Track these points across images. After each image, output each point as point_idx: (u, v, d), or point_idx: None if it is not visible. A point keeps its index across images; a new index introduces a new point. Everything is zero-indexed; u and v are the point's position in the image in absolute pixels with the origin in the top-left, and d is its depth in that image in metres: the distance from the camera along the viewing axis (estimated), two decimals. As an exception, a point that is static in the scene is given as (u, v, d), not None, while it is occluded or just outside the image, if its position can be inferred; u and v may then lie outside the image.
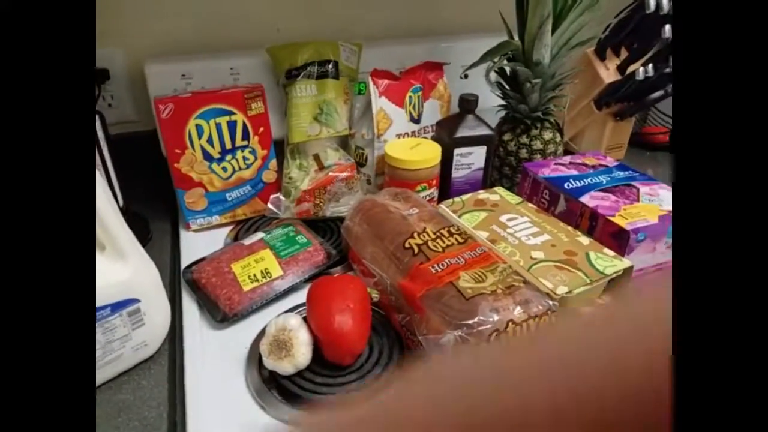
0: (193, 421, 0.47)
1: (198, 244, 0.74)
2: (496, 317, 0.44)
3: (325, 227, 0.74)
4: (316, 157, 0.75)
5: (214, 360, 0.54)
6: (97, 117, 0.63)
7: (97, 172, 0.44)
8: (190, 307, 0.62)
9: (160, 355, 0.55)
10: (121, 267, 0.49)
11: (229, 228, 0.78)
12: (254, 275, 0.62)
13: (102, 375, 0.50)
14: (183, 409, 0.49)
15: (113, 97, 0.83)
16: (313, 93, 0.75)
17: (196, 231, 0.77)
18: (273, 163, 0.77)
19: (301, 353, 0.48)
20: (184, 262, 0.69)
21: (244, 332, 0.57)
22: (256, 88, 0.73)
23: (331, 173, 0.73)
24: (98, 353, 0.49)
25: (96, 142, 0.64)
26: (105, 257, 0.49)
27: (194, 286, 0.63)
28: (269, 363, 0.49)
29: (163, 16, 0.80)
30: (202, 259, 0.68)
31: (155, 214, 0.79)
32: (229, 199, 0.77)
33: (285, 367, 0.48)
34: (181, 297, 0.63)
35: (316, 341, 0.49)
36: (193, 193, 0.75)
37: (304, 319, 0.51)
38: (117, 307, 0.48)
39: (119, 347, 0.50)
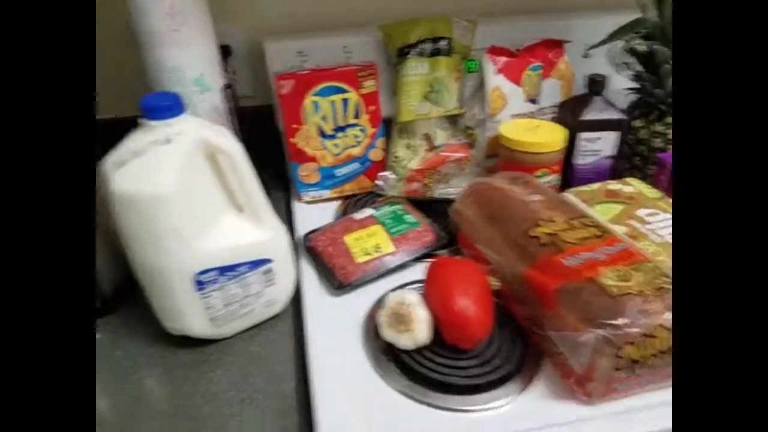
0: (318, 380, 0.50)
1: (309, 214, 0.78)
2: (645, 320, 0.42)
3: (431, 208, 0.74)
4: (427, 137, 0.76)
5: (333, 324, 0.57)
6: (228, 88, 0.68)
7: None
8: (308, 272, 0.66)
9: (285, 313, 0.60)
10: (259, 229, 0.53)
11: (338, 202, 0.81)
12: (366, 248, 0.65)
13: (237, 325, 0.56)
14: (306, 367, 0.53)
15: (234, 72, 0.88)
16: (424, 71, 0.75)
17: (307, 203, 0.81)
18: (381, 141, 0.79)
19: (420, 329, 0.50)
20: (300, 228, 0.74)
21: (358, 301, 0.60)
22: (369, 66, 0.74)
23: (442, 153, 0.73)
24: (235, 306, 0.54)
25: (231, 111, 0.68)
26: (244, 219, 0.53)
27: (312, 253, 0.67)
28: (388, 334, 0.51)
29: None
30: (316, 230, 0.71)
31: (268, 185, 0.84)
32: (338, 174, 0.80)
33: (404, 341, 0.50)
34: (299, 262, 0.68)
35: (435, 320, 0.51)
36: (307, 167, 0.78)
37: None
38: (254, 265, 0.53)
39: (253, 302, 0.55)
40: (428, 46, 0.75)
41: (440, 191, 0.74)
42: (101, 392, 0.51)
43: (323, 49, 0.80)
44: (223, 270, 0.51)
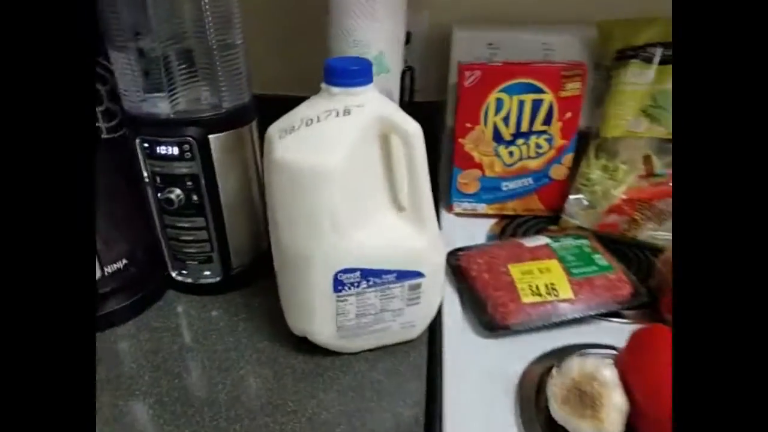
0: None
1: (456, 229, 0.67)
2: None
3: (629, 252, 0.58)
4: (647, 160, 0.60)
5: (479, 375, 0.45)
6: (408, 71, 0.59)
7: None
8: (451, 297, 0.54)
9: (420, 340, 0.49)
10: (418, 235, 0.43)
11: (493, 221, 0.69)
12: (536, 287, 0.51)
13: (364, 342, 0.46)
14: (438, 424, 0.41)
15: (406, 62, 0.80)
16: (647, 80, 0.60)
17: (457, 215, 0.70)
18: (568, 157, 0.65)
19: (612, 420, 0.35)
20: (446, 244, 0.62)
21: (515, 352, 0.47)
22: (577, 65, 0.61)
23: (662, 184, 0.57)
24: (368, 319, 0.44)
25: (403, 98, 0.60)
26: (403, 219, 0.43)
27: (460, 276, 0.56)
28: (561, 414, 0.37)
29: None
30: (468, 248, 0.59)
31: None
32: (504, 188, 0.68)
33: (585, 429, 0.36)
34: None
35: (632, 412, 0.36)
36: (468, 174, 0.67)
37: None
38: (402, 276, 0.43)
39: (389, 319, 0.45)
40: (658, 52, 0.59)
41: (649, 233, 0.58)
42: (197, 380, 0.44)
43: (518, 44, 0.69)
44: (367, 274, 0.41)
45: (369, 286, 0.42)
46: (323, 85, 0.41)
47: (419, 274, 0.43)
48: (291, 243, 0.41)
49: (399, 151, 0.41)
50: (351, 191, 0.39)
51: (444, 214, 0.70)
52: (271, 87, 0.69)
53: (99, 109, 0.50)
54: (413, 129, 0.40)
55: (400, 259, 0.42)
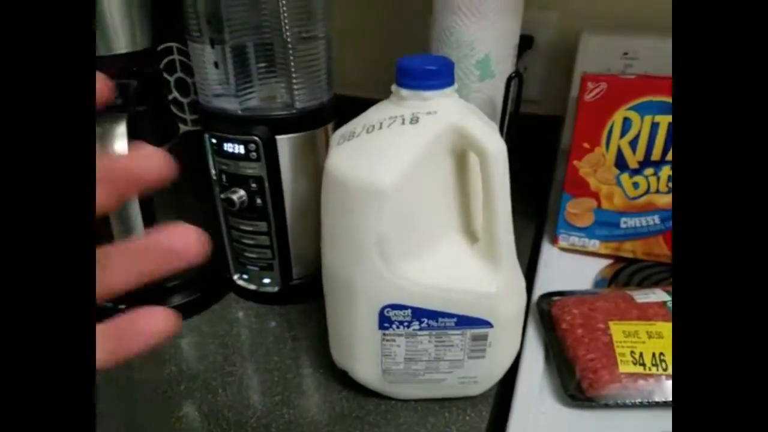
0: None
1: (559, 266, 0.57)
2: None
3: None
4: None
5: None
6: (516, 78, 0.51)
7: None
8: (536, 348, 0.45)
9: (483, 397, 0.41)
10: (490, 275, 0.35)
11: (606, 263, 0.58)
12: (640, 354, 0.41)
13: (413, 391, 0.40)
14: None
15: (526, 69, 0.71)
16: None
17: (562, 249, 0.60)
18: (710, 197, 0.52)
19: None
20: (540, 283, 0.53)
21: (602, 427, 0.38)
22: (736, 84, 0.48)
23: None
24: (420, 366, 0.38)
25: (508, 109, 0.52)
26: (474, 252, 0.36)
27: (549, 325, 0.47)
28: None
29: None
30: (564, 293, 0.50)
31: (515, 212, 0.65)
32: (624, 225, 0.57)
33: None
34: (524, 328, 0.48)
35: None
36: (581, 204, 0.57)
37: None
38: (465, 323, 0.36)
39: (445, 369, 0.38)
40: None
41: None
42: (231, 398, 0.41)
43: (662, 53, 0.57)
44: (420, 314, 0.35)
45: (422, 328, 0.36)
46: (393, 87, 0.35)
47: (486, 323, 0.36)
48: (334, 265, 0.36)
49: (476, 170, 0.34)
50: (409, 214, 0.33)
51: (546, 246, 0.61)
52: (361, 88, 0.65)
53: (185, 100, 0.49)
54: (494, 147, 0.32)
55: (463, 302, 0.35)
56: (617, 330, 0.43)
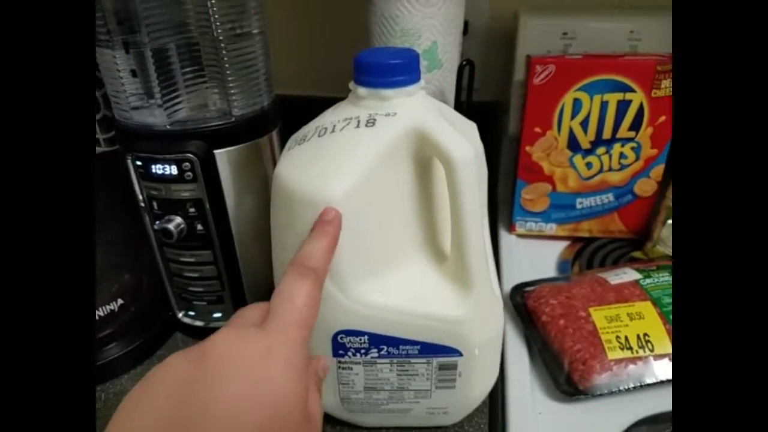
0: None
1: (519, 253, 0.56)
2: None
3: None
4: None
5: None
6: (467, 66, 0.49)
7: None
8: (518, 345, 0.43)
9: (479, 411, 0.38)
10: (459, 298, 0.31)
11: (564, 245, 0.58)
12: (626, 338, 0.40)
13: (377, 420, 0.37)
14: None
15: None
16: None
17: (520, 236, 0.59)
18: (658, 170, 0.53)
19: None
20: (505, 274, 0.52)
21: (597, 420, 0.37)
22: (677, 57, 0.48)
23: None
24: (382, 396, 0.34)
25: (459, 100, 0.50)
26: (441, 273, 0.32)
27: (527, 318, 0.45)
28: None
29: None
30: (538, 283, 0.48)
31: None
32: (579, 206, 0.56)
33: None
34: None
35: None
36: (536, 189, 0.56)
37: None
38: (430, 350, 0.32)
39: (411, 400, 0.35)
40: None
41: None
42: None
43: (599, 33, 0.57)
44: (380, 340, 0.31)
45: (381, 356, 0.32)
46: (351, 85, 0.30)
47: (454, 351, 0.32)
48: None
49: (443, 181, 0.30)
50: (364, 229, 0.29)
51: (504, 235, 0.60)
52: (301, 86, 0.60)
53: (97, 116, 0.42)
54: (460, 153, 0.28)
55: (427, 328, 0.31)
56: (599, 316, 0.42)
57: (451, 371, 0.33)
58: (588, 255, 0.56)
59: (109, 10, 0.32)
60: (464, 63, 0.48)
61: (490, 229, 0.61)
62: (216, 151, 0.36)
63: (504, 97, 0.66)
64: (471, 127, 0.35)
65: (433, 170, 0.32)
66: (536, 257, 0.56)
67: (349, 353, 0.32)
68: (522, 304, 0.47)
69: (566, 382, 0.39)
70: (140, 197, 0.38)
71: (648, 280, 0.45)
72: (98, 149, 0.43)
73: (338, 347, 0.32)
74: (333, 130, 0.29)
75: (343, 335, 0.31)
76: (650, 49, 0.55)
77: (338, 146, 0.29)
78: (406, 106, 0.30)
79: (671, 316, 0.41)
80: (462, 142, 0.28)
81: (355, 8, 0.49)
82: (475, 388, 0.35)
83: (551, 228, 0.58)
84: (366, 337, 0.31)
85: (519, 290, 0.49)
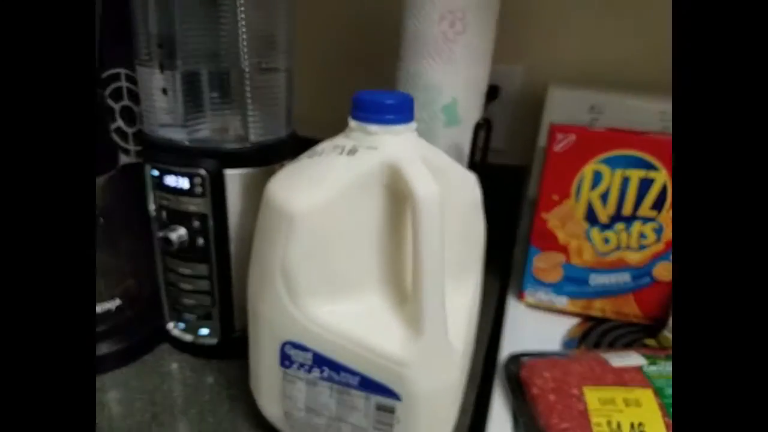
0: None
1: (526, 324, 0.54)
2: None
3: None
4: None
5: None
6: (484, 126, 0.50)
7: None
8: (500, 413, 0.41)
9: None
10: (407, 337, 0.31)
11: (575, 321, 0.55)
12: (618, 425, 0.37)
13: None
14: None
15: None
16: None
17: (529, 306, 0.57)
18: (681, 256, 0.50)
19: None
20: (506, 342, 0.50)
21: None
22: (705, 141, 0.47)
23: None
24: (321, 421, 0.34)
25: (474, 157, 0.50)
26: (397, 315, 0.32)
27: (516, 388, 0.43)
28: None
29: (572, 36, 0.63)
30: (537, 354, 0.46)
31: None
32: (593, 283, 0.54)
33: None
34: (490, 393, 0.44)
35: None
36: (549, 258, 0.55)
37: None
38: (369, 385, 0.32)
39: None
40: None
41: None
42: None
43: (628, 111, 0.57)
44: (322, 361, 0.32)
45: (323, 378, 0.32)
46: (350, 119, 0.33)
47: (392, 394, 0.31)
48: (251, 291, 0.34)
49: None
50: (324, 248, 0.31)
51: (512, 302, 0.58)
52: (323, 130, 0.63)
53: (130, 130, 0.45)
54: (423, 191, 0.28)
55: (367, 360, 0.31)
56: (592, 397, 0.40)
57: (389, 414, 0.32)
58: (596, 336, 0.53)
59: (153, 33, 0.36)
60: (481, 122, 0.49)
61: (498, 294, 0.60)
62: (227, 171, 0.38)
63: (531, 163, 0.66)
64: (466, 178, 0.36)
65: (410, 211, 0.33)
66: (542, 331, 0.53)
67: (294, 366, 0.33)
68: (515, 373, 0.45)
69: (547, 462, 0.37)
70: (152, 206, 0.40)
71: (653, 368, 0.42)
72: (127, 160, 0.46)
73: (284, 358, 0.33)
74: (320, 154, 0.32)
75: (290, 346, 0.32)
76: (681, 133, 0.54)
77: (318, 168, 0.31)
78: (389, 143, 0.31)
79: (672, 410, 0.38)
80: (429, 181, 0.29)
81: (390, 67, 0.51)
82: None
83: (562, 302, 0.56)
84: (311, 354, 0.32)
85: (515, 359, 0.47)
